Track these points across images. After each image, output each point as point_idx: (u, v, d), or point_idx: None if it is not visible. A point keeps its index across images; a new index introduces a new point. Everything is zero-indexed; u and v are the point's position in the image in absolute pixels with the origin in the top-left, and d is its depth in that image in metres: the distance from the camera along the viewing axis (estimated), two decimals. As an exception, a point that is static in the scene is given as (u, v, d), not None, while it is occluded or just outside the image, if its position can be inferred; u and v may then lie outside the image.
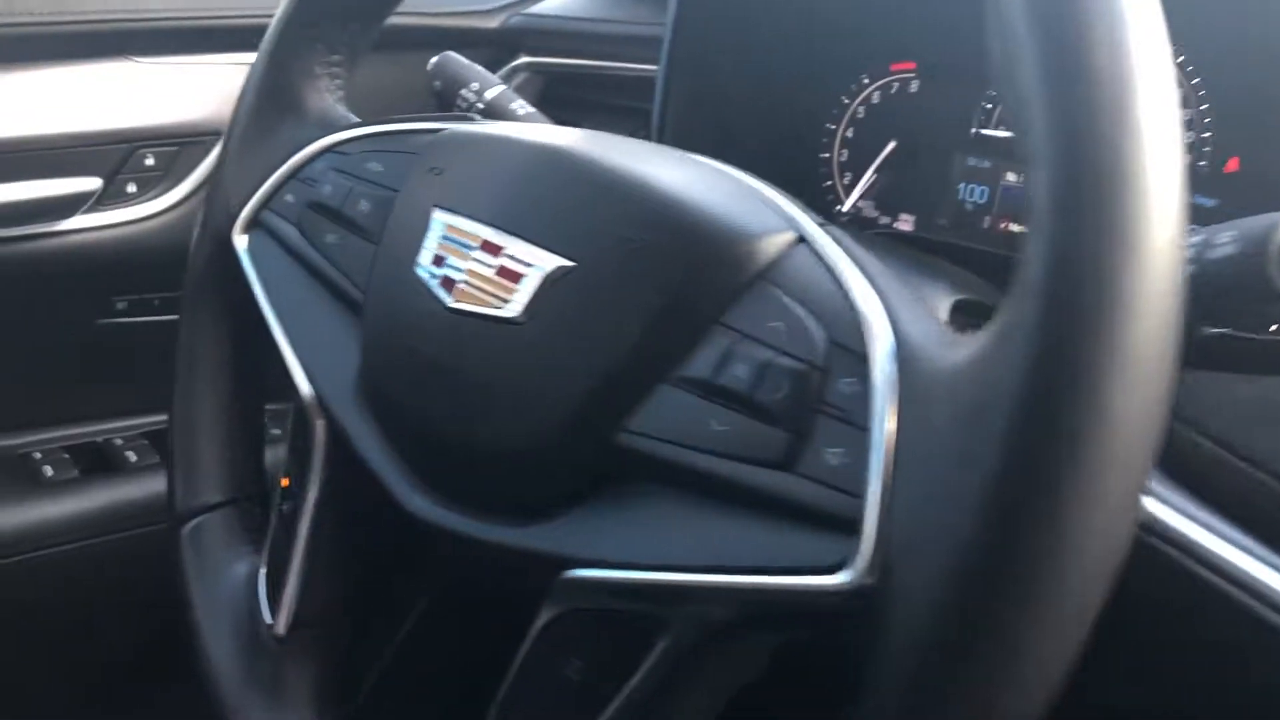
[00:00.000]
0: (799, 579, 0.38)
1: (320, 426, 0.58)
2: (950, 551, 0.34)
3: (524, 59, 1.05)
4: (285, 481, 0.61)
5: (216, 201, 0.66)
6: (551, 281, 0.47)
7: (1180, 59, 0.75)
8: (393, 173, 0.59)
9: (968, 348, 0.36)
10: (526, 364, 0.47)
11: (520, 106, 0.74)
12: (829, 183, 0.95)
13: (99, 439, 0.98)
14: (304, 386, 0.58)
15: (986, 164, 0.86)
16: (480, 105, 0.74)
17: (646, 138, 0.98)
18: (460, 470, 0.50)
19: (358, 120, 0.65)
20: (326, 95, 0.67)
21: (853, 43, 0.92)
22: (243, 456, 0.67)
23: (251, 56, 0.95)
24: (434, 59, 0.76)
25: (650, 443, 0.44)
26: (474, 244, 0.50)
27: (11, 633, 0.89)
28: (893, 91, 0.92)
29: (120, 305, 0.96)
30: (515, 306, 0.48)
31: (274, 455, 0.69)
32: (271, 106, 0.66)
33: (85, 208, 0.89)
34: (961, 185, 0.87)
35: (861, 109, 0.93)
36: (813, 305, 0.42)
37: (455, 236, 0.52)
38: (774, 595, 0.39)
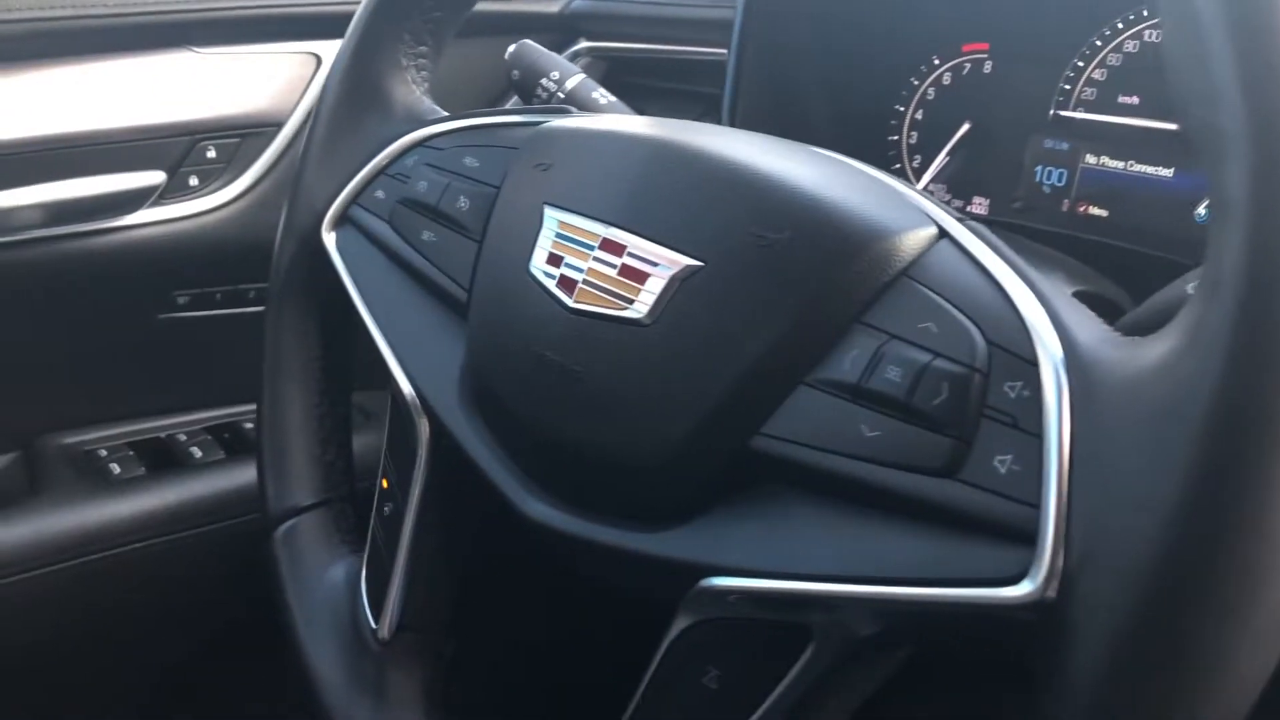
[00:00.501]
0: (973, 591, 0.37)
1: (423, 427, 0.57)
2: (1142, 561, 0.32)
3: (585, 44, 1.04)
4: (385, 483, 0.60)
5: (301, 198, 0.65)
6: (679, 281, 0.46)
7: None
8: (491, 168, 0.58)
9: (1149, 350, 0.35)
10: (655, 366, 0.46)
11: (601, 95, 0.73)
12: (898, 165, 0.94)
13: (162, 434, 0.98)
14: (405, 386, 0.57)
15: (1065, 146, 0.84)
16: (560, 94, 0.72)
17: (715, 122, 0.96)
18: (583, 475, 0.49)
19: (447, 114, 0.64)
20: (413, 88, 0.65)
21: (923, 23, 0.90)
22: (333, 456, 0.66)
23: (313, 45, 0.95)
24: (511, 47, 0.74)
25: (791, 447, 0.43)
26: (593, 243, 0.49)
27: (82, 634, 0.88)
28: (965, 73, 0.90)
29: (181, 300, 0.95)
30: (641, 307, 0.47)
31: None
32: (357, 101, 0.64)
33: (149, 202, 0.87)
34: (1039, 168, 0.86)
35: (932, 90, 0.92)
36: (965, 305, 0.40)
37: (571, 235, 0.50)
38: (942, 607, 0.38)
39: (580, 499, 0.49)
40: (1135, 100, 0.80)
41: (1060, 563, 0.35)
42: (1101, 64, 0.82)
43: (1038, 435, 0.36)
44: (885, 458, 0.40)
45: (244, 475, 0.93)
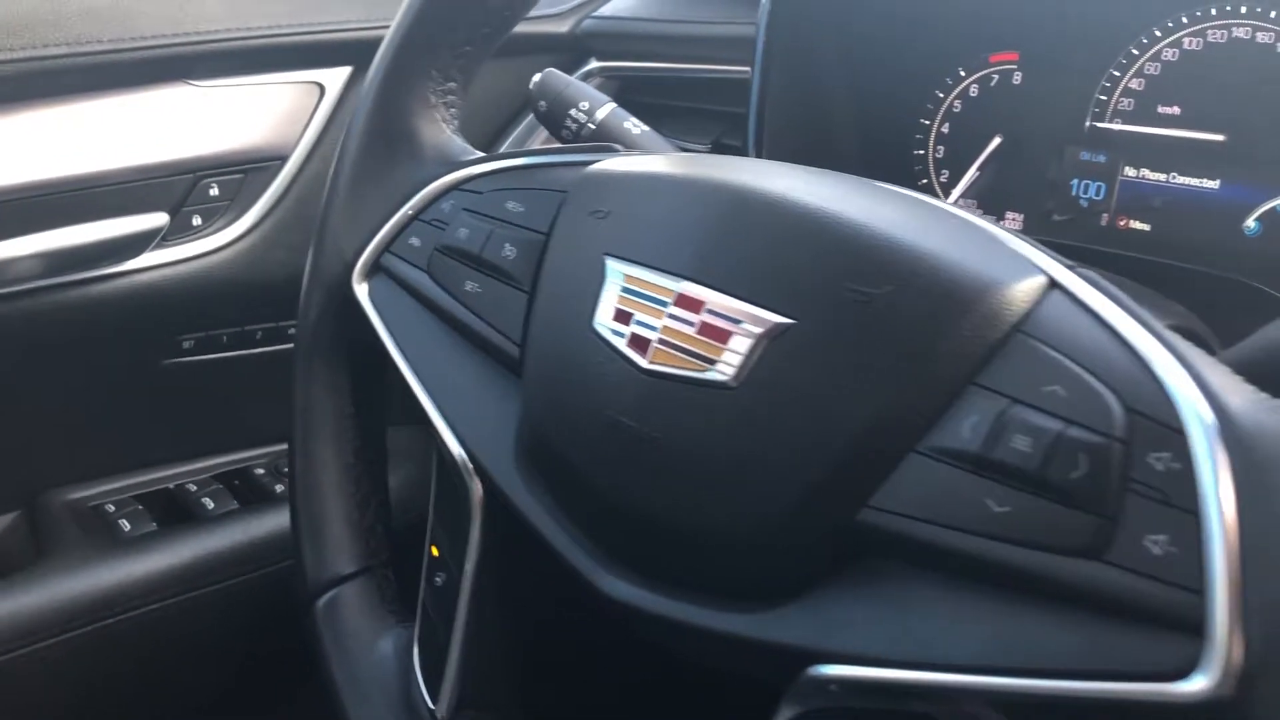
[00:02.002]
0: (1133, 685, 0.34)
1: (475, 490, 0.53)
2: None
3: (596, 63, 1.00)
4: (434, 550, 0.56)
5: (327, 247, 0.62)
6: (768, 340, 0.43)
7: None
8: (536, 213, 0.55)
9: None
10: (746, 433, 0.43)
11: (634, 125, 0.69)
12: (925, 180, 0.91)
13: (171, 485, 0.94)
14: (453, 446, 0.54)
15: (1102, 158, 0.82)
16: (591, 125, 0.69)
17: (734, 142, 0.93)
18: (668, 550, 0.46)
19: (482, 154, 0.60)
20: (443, 127, 0.62)
21: (949, 34, 0.87)
22: (373, 520, 0.62)
23: (315, 73, 0.91)
24: (536, 77, 0.70)
25: (904, 522, 0.39)
26: (666, 298, 0.46)
27: (102, 704, 0.84)
28: (993, 84, 0.87)
29: (186, 344, 0.91)
30: (725, 369, 0.43)
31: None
32: (384, 143, 0.61)
33: (153, 245, 0.83)
34: (1075, 181, 0.83)
35: (958, 103, 0.89)
36: (1093, 365, 0.37)
37: (640, 290, 0.47)
38: (1095, 702, 0.35)
39: (665, 576, 0.46)
40: (1176, 110, 0.78)
41: (1238, 657, 0.32)
42: (1139, 73, 0.79)
43: (1193, 512, 0.33)
44: (1017, 535, 0.37)
45: (259, 526, 0.89)
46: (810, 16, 0.85)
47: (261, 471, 0.96)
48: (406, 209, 0.60)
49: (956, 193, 0.89)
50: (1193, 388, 0.35)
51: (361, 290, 0.60)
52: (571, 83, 0.70)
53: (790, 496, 0.41)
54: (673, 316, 0.45)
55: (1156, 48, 0.78)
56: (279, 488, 0.93)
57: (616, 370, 0.46)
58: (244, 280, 0.88)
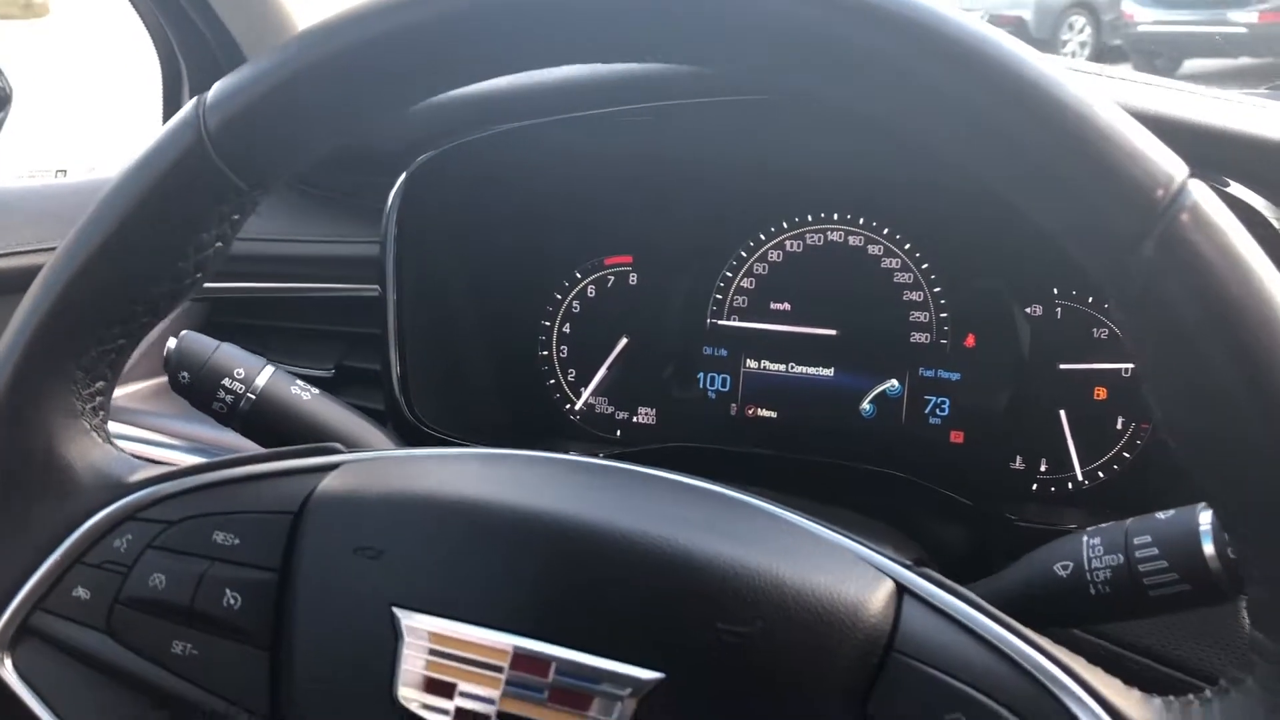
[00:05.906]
0: None
1: None
2: None
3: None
4: None
5: None
6: (638, 702, 0.38)
7: (907, 246, 0.80)
8: (258, 545, 0.45)
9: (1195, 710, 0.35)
10: None
11: (302, 390, 0.61)
12: (552, 381, 0.90)
13: None
14: None
15: (724, 353, 0.86)
16: (251, 396, 0.59)
17: (361, 364, 0.86)
18: None
19: (160, 470, 0.48)
20: (95, 439, 0.49)
21: (565, 238, 0.88)
22: None
23: None
24: (172, 343, 0.59)
25: None
26: (498, 661, 0.39)
27: None
28: (610, 285, 0.89)
29: None
30: None
31: None
32: (16, 470, 0.47)
33: None
34: (701, 375, 0.86)
35: (577, 304, 0.89)
36: (984, 685, 0.37)
37: (458, 651, 0.40)
38: None
39: None
40: (787, 306, 0.84)
41: None
42: (749, 274, 0.85)
43: None
44: None
45: None
46: (433, 229, 0.81)
47: None
48: (60, 552, 0.46)
49: (587, 392, 0.89)
50: (1090, 702, 0.36)
51: (4, 667, 0.46)
52: (219, 347, 0.60)
53: None
54: (515, 685, 0.39)
55: (762, 250, 0.84)
56: None
57: None
58: None
